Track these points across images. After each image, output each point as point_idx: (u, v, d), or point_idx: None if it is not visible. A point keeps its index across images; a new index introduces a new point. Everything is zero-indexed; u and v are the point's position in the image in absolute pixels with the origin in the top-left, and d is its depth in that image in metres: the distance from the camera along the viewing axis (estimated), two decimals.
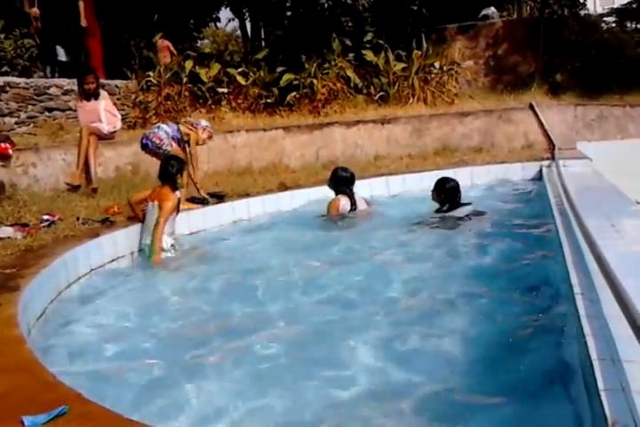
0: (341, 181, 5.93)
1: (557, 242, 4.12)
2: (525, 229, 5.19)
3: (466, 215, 5.46)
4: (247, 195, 6.80)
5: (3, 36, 10.94)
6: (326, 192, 6.11)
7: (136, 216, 5.40)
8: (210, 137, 6.70)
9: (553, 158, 7.76)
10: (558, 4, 12.50)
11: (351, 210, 5.86)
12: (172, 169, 5.18)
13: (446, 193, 5.54)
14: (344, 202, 5.84)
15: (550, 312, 3.25)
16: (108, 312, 3.85)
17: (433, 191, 5.66)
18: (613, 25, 13.02)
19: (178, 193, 5.19)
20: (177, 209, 5.19)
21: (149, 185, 5.81)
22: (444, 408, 2.48)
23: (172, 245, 5.10)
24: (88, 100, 7.53)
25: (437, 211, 5.60)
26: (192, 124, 6.58)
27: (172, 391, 2.68)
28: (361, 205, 5.96)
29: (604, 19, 13.26)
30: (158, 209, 5.06)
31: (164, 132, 6.22)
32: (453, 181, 5.64)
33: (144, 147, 6.30)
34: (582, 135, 9.40)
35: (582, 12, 12.98)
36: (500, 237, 4.93)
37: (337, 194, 5.91)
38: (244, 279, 4.27)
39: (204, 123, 6.70)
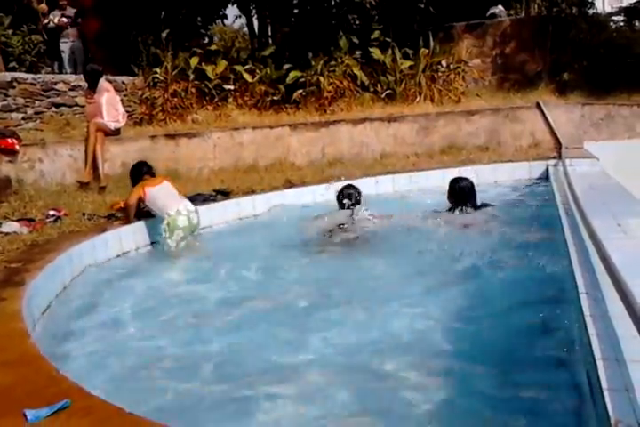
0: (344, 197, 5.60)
1: (563, 241, 4.11)
2: (530, 229, 5.17)
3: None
4: (253, 192, 6.80)
5: (11, 31, 10.99)
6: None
7: (128, 220, 5.34)
8: None
9: (560, 158, 7.73)
10: (566, 3, 12.44)
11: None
12: (144, 168, 5.58)
13: (456, 194, 5.49)
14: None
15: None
16: (112, 306, 3.86)
17: (448, 191, 5.60)
18: (622, 24, 12.93)
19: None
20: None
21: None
22: None
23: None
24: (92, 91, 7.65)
25: (448, 210, 5.49)
26: None
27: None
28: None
29: (613, 18, 13.16)
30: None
31: None
32: (465, 180, 5.57)
33: None
34: (589, 135, 9.36)
35: (590, 11, 12.88)
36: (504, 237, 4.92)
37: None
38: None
39: None
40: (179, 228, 5.09)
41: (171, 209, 5.14)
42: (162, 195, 5.26)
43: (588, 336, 2.43)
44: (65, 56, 11.27)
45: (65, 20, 11.06)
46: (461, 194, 5.49)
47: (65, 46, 11.23)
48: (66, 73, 10.53)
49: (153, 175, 5.53)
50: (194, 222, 5.22)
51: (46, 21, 11.25)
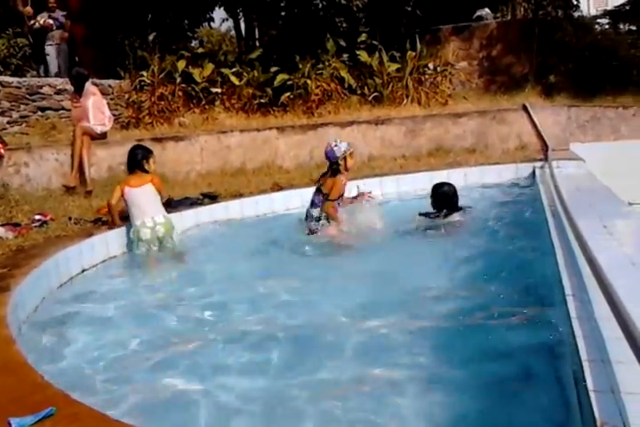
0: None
1: (549, 243, 4.13)
2: (515, 230, 5.20)
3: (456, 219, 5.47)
4: (240, 195, 6.79)
5: None
6: None
7: (113, 223, 5.28)
8: None
9: (546, 159, 7.78)
10: (552, 6, 12.52)
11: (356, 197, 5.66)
12: (138, 156, 5.35)
13: (439, 199, 5.55)
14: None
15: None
16: (98, 313, 3.83)
17: (430, 197, 5.67)
18: (607, 27, 13.06)
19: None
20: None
21: None
22: None
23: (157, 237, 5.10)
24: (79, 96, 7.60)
25: (424, 214, 5.54)
26: None
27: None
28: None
29: (598, 20, 13.29)
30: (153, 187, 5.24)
31: None
32: (448, 185, 5.63)
33: None
34: (576, 136, 9.42)
35: (576, 14, 13.00)
36: (490, 239, 4.94)
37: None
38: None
39: None
40: (142, 240, 5.05)
41: (137, 219, 5.07)
42: (137, 200, 5.13)
43: (574, 338, 2.45)
44: (50, 59, 11.17)
45: (51, 21, 10.96)
46: (444, 199, 5.56)
47: (50, 49, 11.13)
48: (51, 76, 10.44)
49: (144, 169, 5.30)
50: (159, 235, 5.08)
51: (32, 22, 11.17)
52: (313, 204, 5.40)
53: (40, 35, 11.12)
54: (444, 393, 2.58)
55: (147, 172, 5.31)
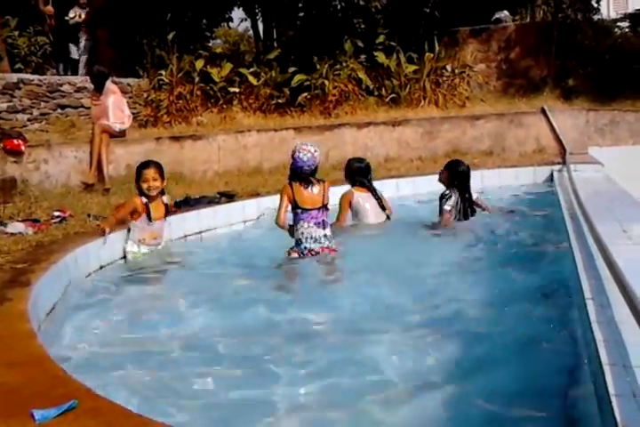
0: (357, 172, 5.58)
1: (569, 247, 4.11)
2: (532, 236, 5.17)
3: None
4: (257, 194, 6.81)
5: (17, 33, 11.03)
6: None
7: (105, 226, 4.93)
8: None
9: (564, 163, 7.74)
10: (572, 9, 12.44)
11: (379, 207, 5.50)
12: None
13: (457, 177, 5.51)
14: (357, 195, 5.50)
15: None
16: (113, 310, 3.87)
17: (442, 172, 5.63)
18: (627, 30, 12.94)
19: (144, 199, 4.93)
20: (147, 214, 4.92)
21: None
22: None
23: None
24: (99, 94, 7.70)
25: (442, 196, 5.51)
26: None
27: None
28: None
29: (618, 24, 13.18)
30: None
31: None
32: (465, 165, 5.63)
33: None
34: (594, 140, 9.37)
35: (596, 17, 12.90)
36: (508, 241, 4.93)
37: (353, 186, 5.55)
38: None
39: None
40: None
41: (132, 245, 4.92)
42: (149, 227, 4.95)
43: (594, 342, 2.43)
44: (82, 54, 11.56)
45: (84, 17, 11.43)
46: (462, 178, 5.51)
47: (81, 45, 11.52)
48: (81, 71, 10.99)
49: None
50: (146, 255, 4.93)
51: (72, 15, 11.48)
52: (322, 223, 4.59)
53: (72, 30, 11.38)
54: None
55: (142, 195, 4.97)
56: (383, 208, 5.56)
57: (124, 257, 4.97)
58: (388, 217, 5.58)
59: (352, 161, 5.75)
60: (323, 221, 4.57)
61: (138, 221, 4.93)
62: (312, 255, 4.54)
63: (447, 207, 5.40)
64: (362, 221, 5.49)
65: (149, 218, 4.93)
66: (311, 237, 4.53)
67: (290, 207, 4.60)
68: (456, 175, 5.52)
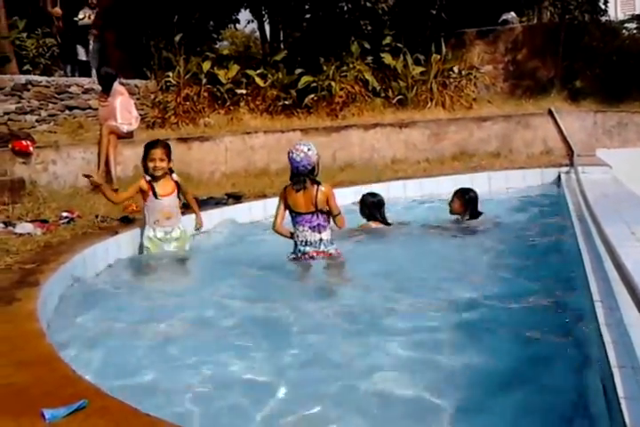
0: (371, 207, 5.68)
1: (576, 249, 4.10)
2: (541, 237, 5.17)
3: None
4: (264, 196, 6.83)
5: (25, 35, 11.10)
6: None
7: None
8: None
9: (572, 165, 7.72)
10: (579, 10, 12.41)
11: None
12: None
13: (470, 203, 5.66)
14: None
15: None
16: (123, 309, 3.88)
17: (453, 202, 5.72)
18: (635, 31, 12.91)
19: (147, 177, 4.96)
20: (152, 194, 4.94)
21: None
22: None
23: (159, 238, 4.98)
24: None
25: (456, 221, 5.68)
26: None
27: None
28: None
29: (626, 25, 13.14)
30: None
31: None
32: (472, 190, 5.75)
33: None
34: (602, 142, 9.34)
35: (603, 18, 12.87)
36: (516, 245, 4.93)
37: (369, 220, 5.66)
38: None
39: None
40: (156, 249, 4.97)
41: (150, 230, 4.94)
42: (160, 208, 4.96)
43: (603, 344, 2.43)
44: (92, 54, 11.65)
45: (93, 18, 11.54)
46: (474, 203, 5.68)
47: (91, 47, 11.70)
48: (91, 71, 11.15)
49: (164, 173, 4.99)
50: (167, 249, 4.96)
51: (81, 16, 11.56)
52: (317, 227, 4.46)
53: (79, 32, 11.47)
54: None
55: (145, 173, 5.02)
56: None
57: (141, 253, 5.04)
58: None
59: (366, 196, 5.79)
60: (318, 224, 4.45)
61: (147, 201, 4.97)
62: (306, 259, 4.47)
63: None
64: None
65: (155, 195, 4.93)
66: (307, 242, 4.47)
67: (287, 212, 4.55)
68: (469, 202, 5.67)
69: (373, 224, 5.60)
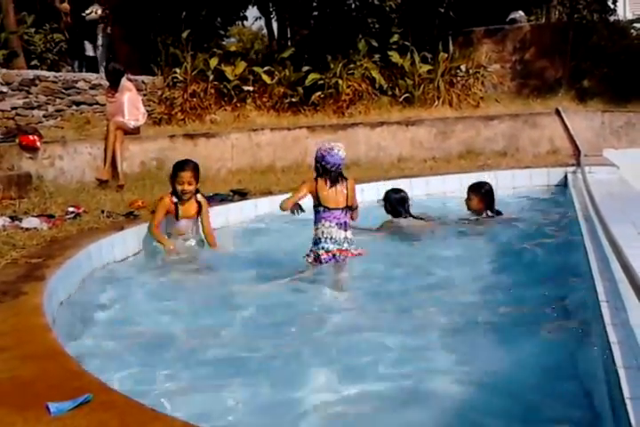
0: (395, 203, 5.63)
1: (583, 249, 4.08)
2: (548, 237, 5.15)
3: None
4: (270, 193, 6.83)
5: (33, 30, 11.13)
6: None
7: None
8: None
9: (578, 165, 7.69)
10: (588, 10, 12.37)
11: None
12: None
13: (487, 196, 5.66)
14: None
15: None
16: (125, 304, 3.89)
17: (469, 199, 5.69)
18: None
19: (174, 198, 4.98)
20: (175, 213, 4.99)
21: None
22: None
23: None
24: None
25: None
26: None
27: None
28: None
29: (634, 24, 13.08)
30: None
31: None
32: (486, 183, 5.75)
33: None
34: (609, 142, 9.30)
35: (612, 18, 12.83)
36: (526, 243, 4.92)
37: (394, 216, 5.60)
38: None
39: None
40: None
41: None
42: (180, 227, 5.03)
43: (609, 344, 2.42)
44: (101, 50, 11.67)
45: (100, 13, 11.57)
46: (491, 196, 5.66)
47: (102, 40, 11.79)
48: (101, 65, 11.21)
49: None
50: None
51: (89, 11, 11.60)
52: (344, 225, 4.34)
53: (87, 28, 11.56)
54: None
55: (174, 194, 5.02)
56: None
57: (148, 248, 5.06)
58: None
59: (389, 192, 5.74)
60: (345, 222, 4.32)
61: (167, 216, 5.02)
62: (330, 257, 4.28)
63: None
64: None
65: (176, 217, 4.99)
66: (331, 238, 4.28)
67: (302, 201, 4.39)
68: (486, 196, 5.65)
69: (402, 221, 5.54)
